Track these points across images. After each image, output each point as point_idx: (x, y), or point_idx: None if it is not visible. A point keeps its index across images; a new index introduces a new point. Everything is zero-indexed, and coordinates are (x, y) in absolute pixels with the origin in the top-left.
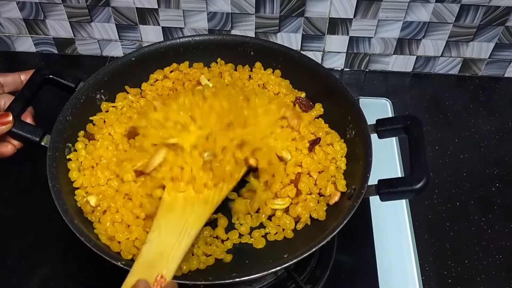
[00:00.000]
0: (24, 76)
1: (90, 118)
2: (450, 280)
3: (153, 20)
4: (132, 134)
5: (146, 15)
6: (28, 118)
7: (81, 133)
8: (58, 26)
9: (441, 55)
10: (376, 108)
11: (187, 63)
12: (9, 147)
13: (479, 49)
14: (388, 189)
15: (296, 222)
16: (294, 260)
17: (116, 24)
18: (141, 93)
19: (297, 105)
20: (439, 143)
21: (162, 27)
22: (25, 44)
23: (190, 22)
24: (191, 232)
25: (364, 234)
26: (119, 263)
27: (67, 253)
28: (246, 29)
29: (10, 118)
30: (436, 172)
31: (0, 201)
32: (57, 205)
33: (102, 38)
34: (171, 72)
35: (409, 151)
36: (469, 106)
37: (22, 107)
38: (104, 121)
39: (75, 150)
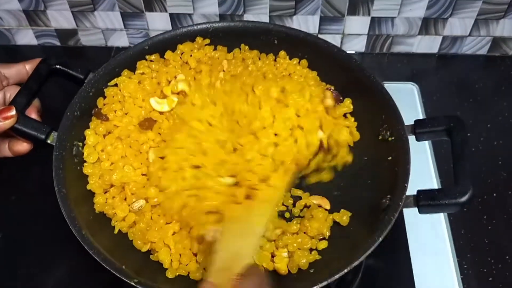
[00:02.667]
0: (29, 66)
1: (108, 84)
2: (490, 278)
3: (160, 7)
4: (145, 125)
5: (152, 1)
6: (33, 113)
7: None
8: (59, 16)
9: (469, 35)
10: (402, 94)
11: (212, 46)
12: (24, 145)
13: (510, 27)
14: (429, 202)
15: None
16: (329, 280)
17: (120, 12)
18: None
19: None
20: (470, 130)
21: (170, 13)
22: (26, 37)
23: (199, 7)
24: (257, 230)
25: (397, 230)
26: (132, 282)
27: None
28: (259, 13)
29: (13, 112)
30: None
31: (8, 205)
32: (64, 212)
33: (107, 28)
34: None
35: (453, 158)
36: (501, 88)
37: (27, 101)
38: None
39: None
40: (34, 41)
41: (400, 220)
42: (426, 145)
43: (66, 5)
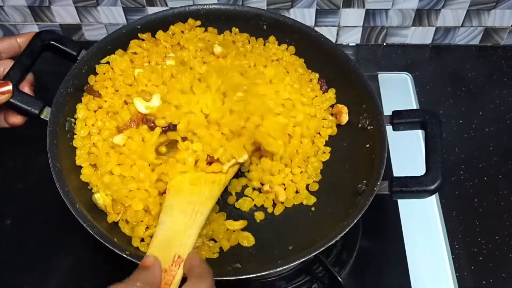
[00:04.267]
0: (21, 40)
1: (100, 62)
2: (481, 258)
3: (161, 2)
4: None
5: None
6: (26, 87)
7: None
8: (64, 12)
9: (462, 25)
10: (396, 83)
11: (202, 28)
12: (19, 117)
13: (501, 17)
14: (401, 188)
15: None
16: (302, 259)
17: (123, 7)
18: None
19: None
20: (463, 117)
21: (171, 8)
22: None
23: (199, 1)
24: (203, 210)
25: (390, 211)
26: (123, 254)
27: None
28: (257, 5)
29: (10, 87)
30: (461, 147)
31: (16, 192)
32: (58, 186)
33: (109, 23)
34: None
35: (425, 149)
36: (492, 77)
37: (20, 75)
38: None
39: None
40: None
41: (394, 202)
42: (419, 134)
43: (70, 1)
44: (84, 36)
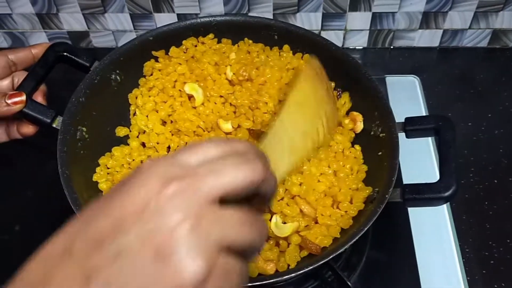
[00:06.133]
0: (35, 51)
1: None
2: (492, 261)
3: (168, 7)
4: None
5: (160, 3)
6: (39, 97)
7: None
8: (71, 19)
9: (469, 28)
10: (404, 86)
11: (215, 39)
12: (30, 127)
13: (510, 19)
14: (414, 195)
15: None
16: (310, 267)
17: (130, 14)
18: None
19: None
20: (472, 120)
21: (177, 14)
22: (39, 40)
23: (205, 7)
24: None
25: (400, 215)
26: None
27: None
28: (264, 11)
29: (24, 97)
30: (470, 150)
31: (25, 198)
32: (66, 193)
33: (117, 29)
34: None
35: (439, 155)
36: (501, 79)
37: (34, 86)
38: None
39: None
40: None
41: (403, 204)
42: (429, 140)
43: (78, 8)
44: (91, 43)
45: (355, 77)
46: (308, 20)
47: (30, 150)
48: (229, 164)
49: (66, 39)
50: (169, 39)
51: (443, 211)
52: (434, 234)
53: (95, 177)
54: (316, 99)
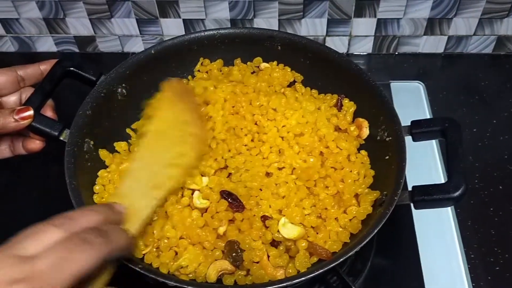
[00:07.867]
0: (43, 67)
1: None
2: (497, 268)
3: (174, 13)
4: None
5: (166, 8)
6: (48, 112)
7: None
8: (78, 24)
9: (474, 34)
10: (409, 92)
11: (221, 61)
12: (37, 143)
13: None
14: (423, 197)
15: None
16: (320, 271)
17: (136, 19)
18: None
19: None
20: (477, 126)
21: (183, 19)
22: (46, 44)
23: (211, 12)
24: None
25: (405, 220)
26: (137, 268)
27: None
28: (269, 17)
29: (31, 112)
30: (476, 156)
31: (31, 201)
32: (74, 202)
33: (123, 34)
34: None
35: (447, 156)
36: (506, 86)
37: (41, 100)
38: None
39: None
40: (53, 48)
41: (408, 210)
42: (433, 144)
43: (84, 13)
44: (98, 48)
45: (359, 84)
46: (313, 26)
47: (34, 154)
48: (72, 249)
49: (73, 43)
50: (173, 52)
51: (448, 216)
52: (439, 240)
53: (95, 189)
54: (179, 123)
